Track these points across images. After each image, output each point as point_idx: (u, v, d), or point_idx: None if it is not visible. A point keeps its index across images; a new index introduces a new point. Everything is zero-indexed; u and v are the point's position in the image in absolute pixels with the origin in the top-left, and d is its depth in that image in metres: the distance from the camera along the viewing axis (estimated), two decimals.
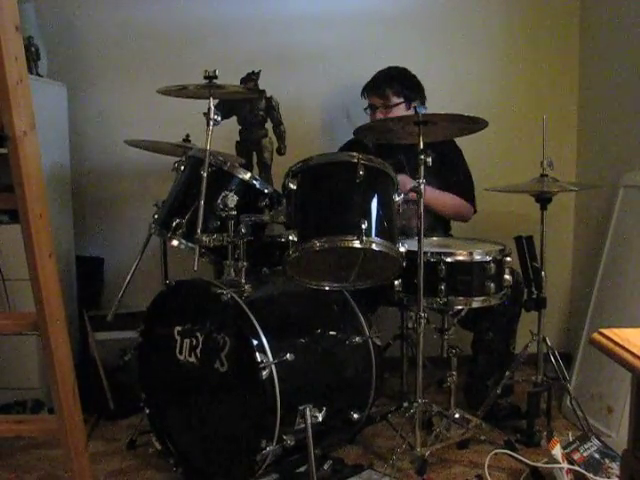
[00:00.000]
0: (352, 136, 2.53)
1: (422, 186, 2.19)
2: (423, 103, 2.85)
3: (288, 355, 2.05)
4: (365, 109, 2.91)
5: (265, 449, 2.01)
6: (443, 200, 2.83)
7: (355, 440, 2.52)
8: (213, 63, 2.23)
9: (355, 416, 2.27)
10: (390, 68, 2.92)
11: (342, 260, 2.14)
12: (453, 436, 2.41)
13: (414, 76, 2.91)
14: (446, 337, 2.41)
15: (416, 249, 2.21)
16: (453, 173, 2.89)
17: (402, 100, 2.82)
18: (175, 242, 2.30)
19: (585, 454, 2.23)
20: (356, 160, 2.10)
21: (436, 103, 2.85)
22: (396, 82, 2.84)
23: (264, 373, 1.98)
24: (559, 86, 3.36)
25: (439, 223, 2.93)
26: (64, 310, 1.77)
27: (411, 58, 3.19)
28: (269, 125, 2.92)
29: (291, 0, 3.31)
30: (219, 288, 2.13)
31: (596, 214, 3.16)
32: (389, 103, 2.84)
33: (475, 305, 2.35)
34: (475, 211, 2.92)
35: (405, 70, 2.91)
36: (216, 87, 2.21)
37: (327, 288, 2.21)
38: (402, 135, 2.43)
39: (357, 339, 2.29)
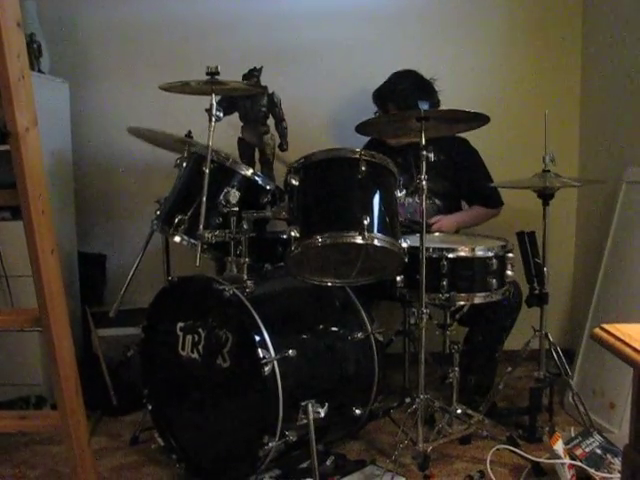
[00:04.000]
0: (355, 132, 2.52)
1: (424, 182, 2.19)
2: (434, 103, 2.83)
3: (290, 351, 2.05)
4: (375, 113, 2.91)
5: (267, 445, 2.01)
6: (470, 220, 2.97)
7: (357, 436, 2.53)
8: (215, 59, 2.23)
9: (357, 412, 2.28)
10: (397, 77, 2.88)
11: (344, 256, 2.14)
12: (455, 432, 2.42)
13: (422, 84, 2.86)
14: (448, 333, 2.41)
15: (418, 245, 2.21)
16: (473, 180, 2.95)
17: None
18: (177, 238, 2.31)
19: (587, 450, 2.23)
20: (358, 156, 2.10)
21: None
22: (397, 96, 2.81)
23: (266, 369, 1.98)
24: (561, 81, 3.36)
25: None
26: (66, 306, 1.77)
27: (413, 54, 3.20)
28: (271, 121, 2.92)
29: None
30: (221, 284, 2.13)
31: (598, 210, 3.16)
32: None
33: (477, 301, 2.35)
34: (502, 204, 3.03)
35: (410, 80, 2.86)
36: (218, 83, 2.21)
37: (329, 284, 2.21)
38: (404, 132, 2.43)
39: (359, 335, 2.29)
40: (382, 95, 2.88)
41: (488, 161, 2.98)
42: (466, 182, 2.94)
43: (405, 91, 2.82)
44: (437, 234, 2.70)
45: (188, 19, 3.27)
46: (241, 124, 2.87)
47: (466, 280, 2.34)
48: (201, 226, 2.12)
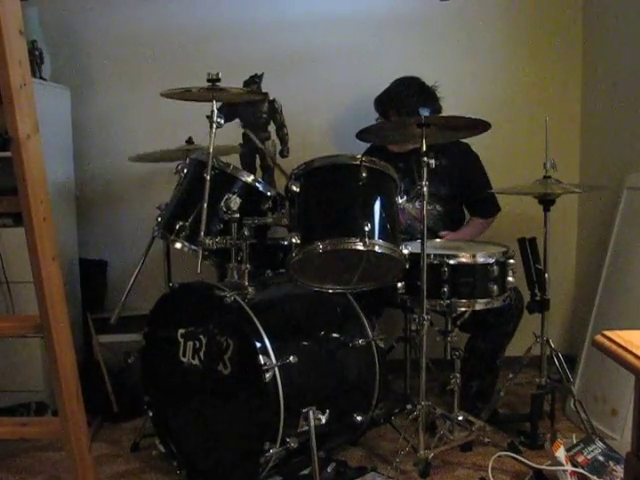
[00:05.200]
0: (355, 138, 2.52)
1: (425, 188, 2.19)
2: (437, 113, 2.83)
3: (291, 357, 2.05)
4: (377, 119, 2.90)
5: (268, 451, 2.01)
6: (472, 235, 2.94)
7: (358, 442, 2.52)
8: (216, 66, 2.23)
9: (358, 418, 2.27)
10: (399, 84, 2.87)
11: (345, 262, 2.14)
12: (456, 439, 2.41)
13: (423, 91, 2.86)
14: (449, 339, 2.41)
15: (419, 251, 2.21)
16: (473, 186, 2.95)
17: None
18: (178, 245, 2.31)
19: (589, 456, 2.22)
20: (358, 162, 2.10)
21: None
22: (399, 103, 2.81)
23: (267, 375, 1.98)
24: (562, 87, 3.36)
25: (445, 226, 2.93)
26: (67, 313, 1.78)
27: (414, 60, 3.20)
28: (272, 128, 2.92)
29: (294, 3, 3.31)
30: (222, 291, 2.13)
31: (599, 216, 3.16)
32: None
33: (478, 307, 2.35)
34: (499, 210, 3.03)
35: (412, 87, 2.85)
36: (219, 90, 2.22)
37: (330, 290, 2.21)
38: (405, 138, 2.43)
39: (360, 341, 2.29)
40: (384, 102, 2.88)
41: (489, 167, 2.98)
42: (467, 187, 2.94)
43: (407, 98, 2.82)
44: (438, 240, 2.70)
45: (189, 26, 3.28)
46: (242, 131, 2.88)
47: (467, 286, 2.34)
48: (202, 232, 2.12)
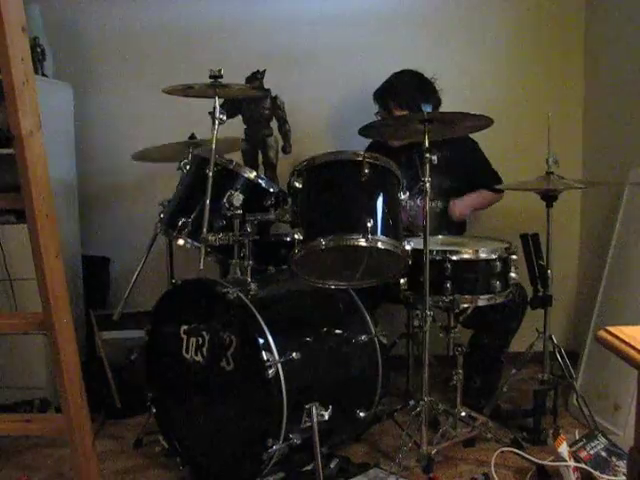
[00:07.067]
0: (357, 134, 2.52)
1: (427, 184, 2.19)
2: (436, 105, 2.83)
3: (294, 354, 2.05)
4: (376, 113, 2.90)
5: (271, 447, 2.01)
6: (480, 203, 3.00)
7: (361, 438, 2.52)
8: (218, 62, 2.23)
9: (361, 414, 2.28)
10: (398, 76, 2.88)
11: (348, 258, 2.14)
12: (459, 434, 2.41)
13: (423, 82, 2.87)
14: (452, 335, 2.41)
15: (422, 247, 2.21)
16: (475, 171, 2.97)
17: (406, 112, 2.78)
18: (181, 241, 2.31)
19: (592, 452, 2.22)
20: (361, 158, 2.10)
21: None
22: (399, 95, 2.82)
23: (270, 372, 1.98)
24: (564, 83, 3.35)
25: (447, 223, 2.91)
26: (70, 310, 1.78)
27: (416, 57, 3.18)
28: (274, 124, 2.92)
29: (296, 0, 3.31)
30: (225, 287, 2.13)
31: (602, 211, 3.16)
32: (392, 115, 2.83)
33: (481, 303, 2.34)
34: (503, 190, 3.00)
35: (411, 79, 2.87)
36: (221, 86, 2.22)
37: (333, 287, 2.21)
38: (407, 134, 2.43)
39: (363, 337, 2.29)
40: (383, 93, 2.88)
41: (492, 163, 2.98)
42: (470, 176, 2.94)
43: (406, 88, 2.82)
44: (440, 236, 2.70)
45: (191, 23, 3.28)
46: (244, 127, 2.88)
47: (470, 282, 2.33)
48: (205, 229, 2.12)
